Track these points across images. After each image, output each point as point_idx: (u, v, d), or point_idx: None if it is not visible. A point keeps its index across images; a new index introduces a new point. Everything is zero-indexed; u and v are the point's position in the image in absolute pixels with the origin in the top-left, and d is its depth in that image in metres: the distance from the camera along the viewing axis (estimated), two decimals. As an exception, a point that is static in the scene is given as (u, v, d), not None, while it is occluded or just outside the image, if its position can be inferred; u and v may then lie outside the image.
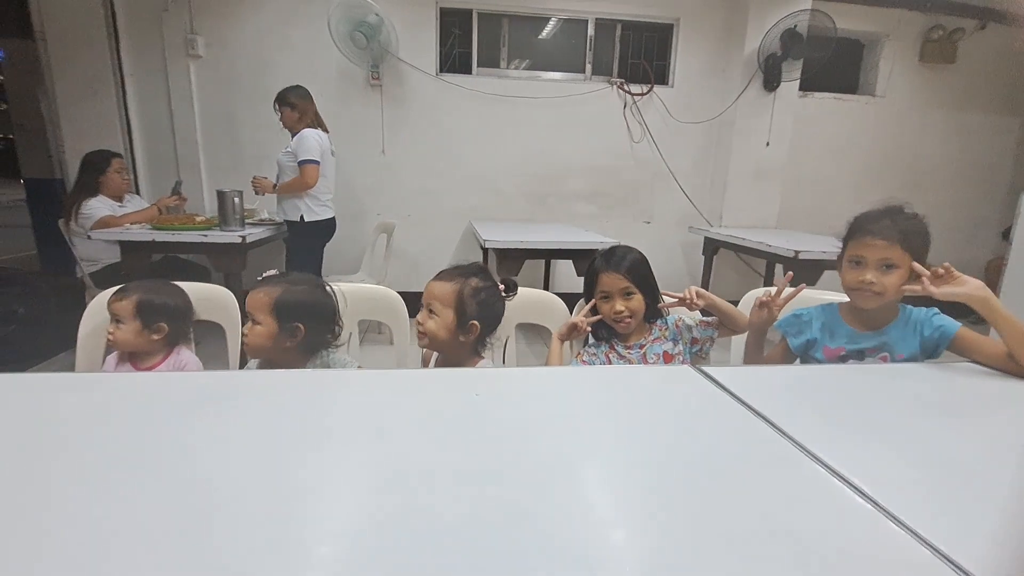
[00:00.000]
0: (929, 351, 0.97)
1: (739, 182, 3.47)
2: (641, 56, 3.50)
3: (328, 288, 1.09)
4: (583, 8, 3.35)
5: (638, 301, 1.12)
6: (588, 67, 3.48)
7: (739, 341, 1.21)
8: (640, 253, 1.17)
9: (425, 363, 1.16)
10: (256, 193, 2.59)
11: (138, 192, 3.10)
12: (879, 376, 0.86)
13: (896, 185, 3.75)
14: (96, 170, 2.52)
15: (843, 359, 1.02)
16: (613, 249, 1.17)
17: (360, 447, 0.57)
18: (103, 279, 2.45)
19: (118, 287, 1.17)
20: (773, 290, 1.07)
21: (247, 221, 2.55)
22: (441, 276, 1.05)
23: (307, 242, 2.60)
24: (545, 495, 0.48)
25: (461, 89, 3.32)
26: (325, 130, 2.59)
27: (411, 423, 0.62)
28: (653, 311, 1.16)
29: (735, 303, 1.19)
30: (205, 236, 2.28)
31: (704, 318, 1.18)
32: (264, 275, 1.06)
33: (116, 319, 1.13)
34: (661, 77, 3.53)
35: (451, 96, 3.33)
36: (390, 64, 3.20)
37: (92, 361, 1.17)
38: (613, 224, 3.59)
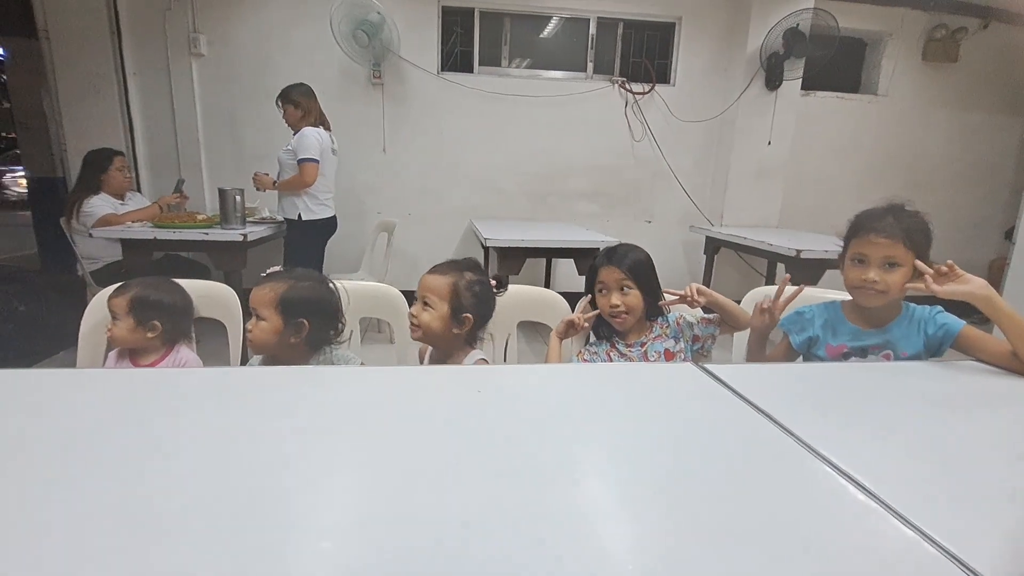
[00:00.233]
0: (933, 349, 0.97)
1: (741, 181, 3.47)
2: (643, 55, 3.50)
3: (331, 285, 1.10)
4: (585, 7, 3.35)
5: (635, 297, 1.12)
6: (590, 66, 3.47)
7: (741, 338, 1.21)
8: (644, 253, 1.17)
9: (420, 358, 1.17)
10: (256, 189, 2.59)
11: (140, 190, 3.11)
12: (883, 374, 0.86)
13: (898, 185, 3.73)
14: (98, 168, 2.52)
15: (845, 356, 1.02)
16: (617, 246, 1.18)
17: (361, 444, 0.56)
18: (104, 277, 2.45)
19: (119, 284, 1.16)
20: (774, 292, 1.07)
21: (248, 219, 2.55)
22: (436, 270, 1.07)
23: (304, 240, 2.60)
24: (547, 492, 0.48)
25: (462, 88, 3.32)
26: (328, 128, 2.59)
27: (412, 420, 0.62)
28: (654, 310, 1.16)
29: (736, 302, 1.19)
30: (206, 234, 2.28)
31: (705, 315, 1.18)
32: (268, 271, 1.07)
33: (113, 315, 1.13)
34: (663, 76, 3.53)
35: (452, 95, 3.33)
36: (392, 63, 3.20)
37: (93, 358, 1.17)
38: (614, 223, 3.58)
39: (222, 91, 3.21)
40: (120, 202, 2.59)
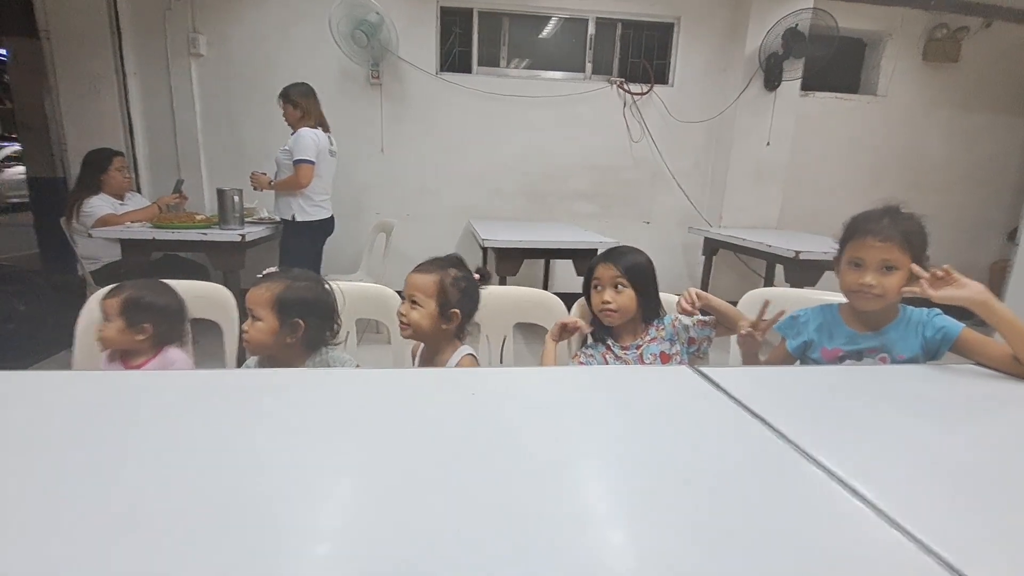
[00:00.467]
0: (931, 352, 0.96)
1: (739, 182, 3.46)
2: (641, 55, 3.50)
3: (327, 285, 1.10)
4: (583, 7, 3.35)
5: (628, 297, 1.11)
6: (588, 66, 3.47)
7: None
8: (646, 256, 1.17)
9: (413, 356, 1.18)
10: (253, 188, 2.60)
11: (139, 190, 3.11)
12: (880, 377, 0.85)
13: (899, 186, 3.72)
14: (98, 168, 2.52)
15: (841, 360, 1.01)
16: (619, 246, 1.19)
17: (355, 447, 0.56)
18: (104, 277, 2.46)
19: (113, 285, 1.16)
20: (769, 293, 1.06)
21: (247, 220, 2.56)
22: (421, 268, 1.09)
23: (299, 241, 2.60)
24: (541, 495, 0.47)
25: (461, 88, 3.32)
26: (327, 130, 2.59)
27: (407, 423, 0.62)
28: (650, 312, 1.15)
29: (734, 304, 1.18)
30: (205, 234, 2.28)
31: (701, 317, 1.18)
32: (265, 272, 1.07)
33: (105, 316, 1.13)
34: (661, 76, 3.52)
35: (451, 95, 3.33)
36: (390, 63, 3.20)
37: (89, 358, 1.17)
38: (612, 224, 3.57)
39: (221, 91, 3.21)
40: (120, 202, 2.59)
